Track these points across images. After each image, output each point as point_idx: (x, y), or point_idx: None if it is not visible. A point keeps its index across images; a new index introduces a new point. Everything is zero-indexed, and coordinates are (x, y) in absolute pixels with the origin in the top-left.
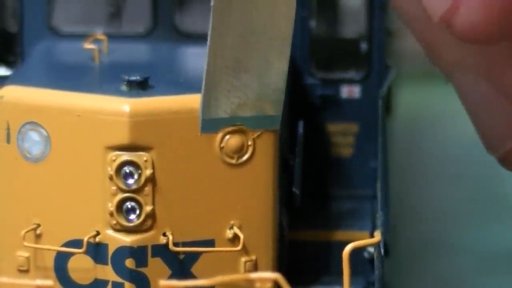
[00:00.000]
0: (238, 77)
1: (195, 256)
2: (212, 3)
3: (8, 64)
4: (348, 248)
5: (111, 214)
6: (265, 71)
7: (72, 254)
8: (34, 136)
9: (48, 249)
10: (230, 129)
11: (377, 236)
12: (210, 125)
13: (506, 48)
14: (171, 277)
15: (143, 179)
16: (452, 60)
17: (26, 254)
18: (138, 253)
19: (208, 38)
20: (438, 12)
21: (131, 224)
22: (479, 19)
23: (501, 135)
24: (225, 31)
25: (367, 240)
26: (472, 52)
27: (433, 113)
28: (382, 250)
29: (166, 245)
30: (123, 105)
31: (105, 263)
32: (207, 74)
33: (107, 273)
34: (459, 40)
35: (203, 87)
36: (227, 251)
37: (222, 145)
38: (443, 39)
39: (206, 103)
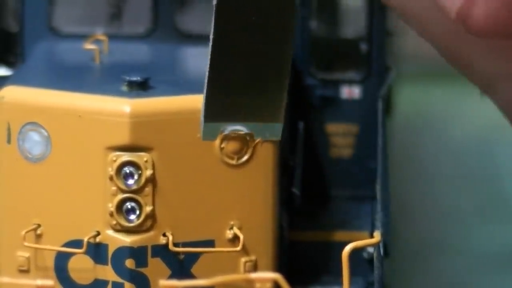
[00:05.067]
0: (240, 85)
1: (195, 257)
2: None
3: (9, 64)
4: (347, 248)
5: (111, 215)
6: (266, 76)
7: (72, 254)
8: (34, 136)
9: (49, 249)
10: (232, 135)
11: (377, 236)
12: (211, 132)
13: None
14: (171, 277)
15: (143, 179)
16: (487, 70)
17: (26, 254)
18: (138, 253)
19: (210, 46)
20: (453, 8)
21: (131, 225)
22: (499, 10)
23: None
24: (227, 36)
25: (367, 241)
26: (504, 56)
27: (433, 113)
28: (381, 251)
29: (166, 245)
30: (124, 105)
31: (105, 263)
32: (209, 81)
33: (107, 273)
34: (483, 41)
35: (204, 95)
36: (227, 251)
37: (222, 146)
38: (475, 50)
39: (208, 111)
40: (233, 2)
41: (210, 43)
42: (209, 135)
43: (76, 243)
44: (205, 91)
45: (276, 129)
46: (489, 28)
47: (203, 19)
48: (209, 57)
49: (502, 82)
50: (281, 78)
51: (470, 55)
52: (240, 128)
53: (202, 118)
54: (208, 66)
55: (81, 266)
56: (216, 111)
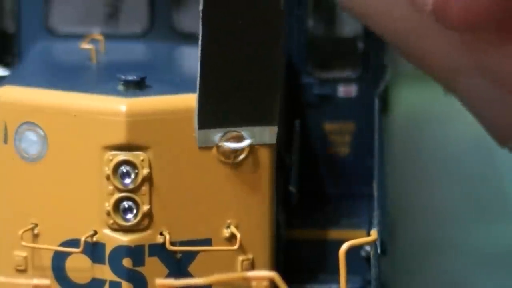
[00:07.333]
0: (232, 90)
1: (192, 255)
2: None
3: (6, 64)
4: (344, 246)
5: (108, 214)
6: (258, 81)
7: (69, 253)
8: (31, 136)
9: (46, 249)
10: (228, 136)
11: (374, 234)
12: (207, 138)
13: (498, 39)
14: (168, 276)
15: (140, 178)
16: (452, 65)
17: (24, 254)
18: (135, 253)
19: (199, 53)
20: (428, 2)
21: (128, 224)
22: (475, 2)
23: (509, 126)
24: (216, 42)
25: (363, 239)
26: (469, 51)
27: (432, 113)
28: (378, 249)
29: (163, 244)
30: (120, 104)
31: (103, 263)
32: (200, 88)
33: (105, 272)
34: (452, 31)
35: (196, 103)
36: (224, 250)
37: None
38: (440, 46)
39: (201, 118)
40: (219, 7)
41: (199, 50)
42: (204, 142)
43: (73, 243)
44: (197, 98)
45: (271, 133)
46: (467, 21)
47: (199, 19)
48: (199, 64)
49: (459, 75)
50: (273, 82)
51: (434, 51)
52: (235, 131)
53: (196, 126)
54: (198, 73)
55: (78, 265)
56: (209, 118)
